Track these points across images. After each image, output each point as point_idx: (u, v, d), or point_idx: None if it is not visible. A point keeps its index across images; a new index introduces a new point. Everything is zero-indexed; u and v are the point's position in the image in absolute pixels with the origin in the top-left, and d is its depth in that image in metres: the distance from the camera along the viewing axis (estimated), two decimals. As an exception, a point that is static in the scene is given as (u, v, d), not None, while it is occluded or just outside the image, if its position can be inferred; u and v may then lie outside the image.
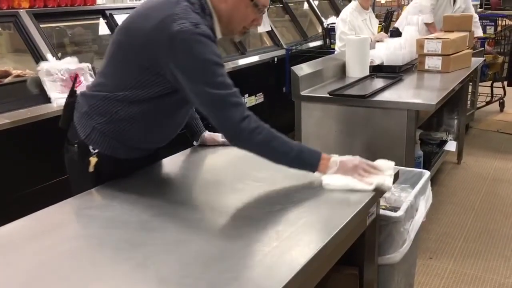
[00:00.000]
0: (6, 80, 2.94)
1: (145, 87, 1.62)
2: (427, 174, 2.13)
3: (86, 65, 3.06)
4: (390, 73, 3.59)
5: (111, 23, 3.64)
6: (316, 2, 6.29)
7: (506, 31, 5.93)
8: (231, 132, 1.59)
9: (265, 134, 1.57)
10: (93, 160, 1.68)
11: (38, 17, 3.20)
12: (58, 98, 2.83)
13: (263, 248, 1.25)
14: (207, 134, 2.07)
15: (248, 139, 1.57)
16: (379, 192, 1.59)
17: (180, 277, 1.13)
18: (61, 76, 2.92)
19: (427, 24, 4.98)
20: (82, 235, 1.37)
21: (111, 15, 3.65)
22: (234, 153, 2.01)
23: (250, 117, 1.56)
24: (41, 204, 1.52)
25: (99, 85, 1.72)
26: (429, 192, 2.09)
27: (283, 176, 1.73)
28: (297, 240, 1.28)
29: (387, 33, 4.81)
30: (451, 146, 4.09)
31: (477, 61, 4.10)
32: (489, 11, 8.51)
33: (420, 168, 3.05)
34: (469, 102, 5.01)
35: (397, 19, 5.82)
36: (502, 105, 6.07)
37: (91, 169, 1.68)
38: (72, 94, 1.79)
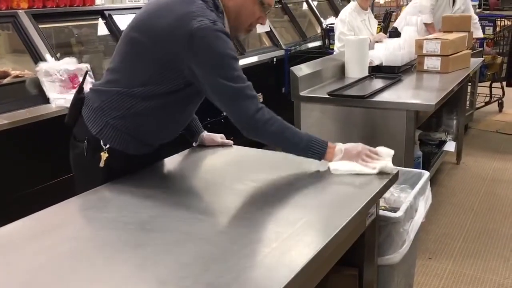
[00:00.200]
0: (5, 81, 2.94)
1: (160, 82, 1.67)
2: (426, 174, 2.13)
3: (85, 66, 3.06)
4: (389, 73, 3.59)
5: (110, 24, 3.64)
6: (315, 3, 6.30)
7: (505, 32, 5.93)
8: (246, 123, 1.66)
9: (278, 125, 1.67)
10: (104, 155, 1.71)
11: (37, 18, 3.20)
12: (57, 98, 2.83)
13: (263, 249, 1.25)
14: (205, 134, 2.07)
15: (263, 130, 1.65)
16: (379, 192, 1.60)
17: (180, 278, 1.13)
18: (60, 77, 2.91)
19: (426, 25, 4.98)
20: (81, 236, 1.37)
21: (110, 15, 3.65)
22: (234, 153, 2.01)
23: (263, 108, 1.66)
24: (41, 204, 1.51)
25: (110, 81, 1.75)
26: (428, 192, 2.09)
27: (282, 177, 1.73)
28: (297, 241, 1.28)
29: (386, 34, 4.81)
30: (450, 146, 4.09)
31: (476, 62, 4.11)
32: (488, 12, 8.52)
33: (419, 168, 3.05)
34: (468, 103, 5.01)
35: (396, 19, 5.82)
36: (501, 106, 6.08)
37: (101, 164, 1.70)
38: (81, 90, 1.81)
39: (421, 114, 2.99)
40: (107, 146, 1.71)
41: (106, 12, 3.66)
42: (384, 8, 9.03)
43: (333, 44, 4.80)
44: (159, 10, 1.68)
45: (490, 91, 5.97)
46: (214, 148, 2.04)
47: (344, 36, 4.24)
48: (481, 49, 5.20)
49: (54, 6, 3.44)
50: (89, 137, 1.73)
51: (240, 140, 2.05)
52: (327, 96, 3.03)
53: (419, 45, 3.75)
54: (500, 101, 6.04)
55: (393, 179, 1.71)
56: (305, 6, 6.17)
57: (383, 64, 3.70)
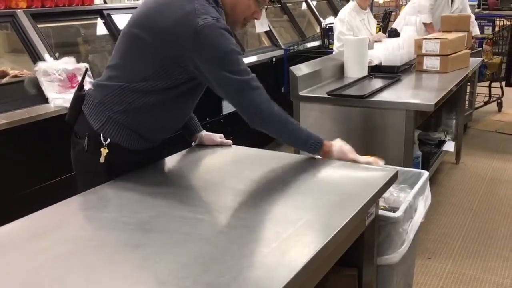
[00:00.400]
0: (4, 81, 2.93)
1: (162, 78, 1.69)
2: (425, 174, 2.13)
3: (84, 65, 3.05)
4: (389, 73, 3.59)
5: (109, 23, 3.64)
6: (314, 2, 6.30)
7: (504, 32, 5.94)
8: (253, 114, 1.72)
9: (283, 117, 1.76)
10: (104, 151, 1.71)
11: (36, 17, 3.19)
12: (55, 98, 2.83)
13: (262, 249, 1.25)
14: (205, 134, 2.07)
15: (269, 121, 1.74)
16: (378, 192, 1.59)
17: (179, 278, 1.12)
18: (59, 76, 2.91)
19: (425, 24, 4.99)
20: (81, 236, 1.37)
21: (108, 15, 3.65)
22: (233, 153, 2.01)
23: (268, 99, 1.73)
24: (41, 204, 1.51)
25: (111, 77, 1.76)
26: (428, 192, 2.09)
27: (282, 177, 1.73)
28: (296, 241, 1.28)
29: (385, 33, 4.81)
30: (449, 146, 4.09)
31: (475, 62, 4.11)
32: (487, 12, 8.53)
33: (418, 168, 3.05)
34: (467, 102, 5.01)
35: (395, 19, 5.82)
36: (500, 105, 6.08)
37: (102, 160, 1.71)
38: (81, 88, 1.82)
39: (420, 114, 2.99)
40: (108, 141, 1.72)
41: (105, 12, 3.66)
42: (383, 8, 9.04)
43: (332, 43, 4.79)
44: (159, 7, 1.69)
45: (489, 91, 5.98)
46: (213, 148, 2.04)
47: (343, 36, 4.24)
48: (480, 48, 5.20)
49: (52, 5, 3.44)
50: (90, 133, 1.74)
51: (240, 140, 2.05)
52: (326, 96, 3.03)
53: (418, 45, 3.75)
54: (499, 101, 6.05)
55: (393, 179, 1.71)
56: (304, 6, 6.17)
57: (382, 64, 3.70)
